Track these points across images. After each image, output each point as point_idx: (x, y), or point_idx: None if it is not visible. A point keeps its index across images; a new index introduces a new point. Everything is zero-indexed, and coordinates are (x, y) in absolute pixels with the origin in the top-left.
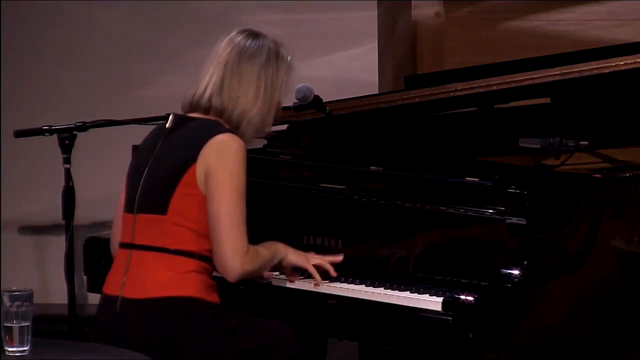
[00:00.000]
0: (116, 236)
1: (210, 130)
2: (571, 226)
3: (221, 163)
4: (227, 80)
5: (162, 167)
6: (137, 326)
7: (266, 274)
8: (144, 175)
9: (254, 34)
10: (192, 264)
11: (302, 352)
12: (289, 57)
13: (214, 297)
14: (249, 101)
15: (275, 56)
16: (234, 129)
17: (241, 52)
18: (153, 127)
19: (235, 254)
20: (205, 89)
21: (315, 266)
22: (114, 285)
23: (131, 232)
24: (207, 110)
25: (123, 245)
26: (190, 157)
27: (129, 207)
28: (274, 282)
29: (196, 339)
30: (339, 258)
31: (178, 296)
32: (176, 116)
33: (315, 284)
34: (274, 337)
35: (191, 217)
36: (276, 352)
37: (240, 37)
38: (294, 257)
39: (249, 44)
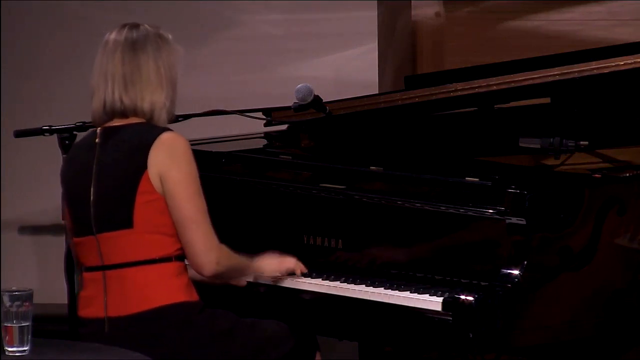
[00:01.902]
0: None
1: (148, 132)
2: (571, 226)
3: (173, 164)
4: (129, 77)
5: (110, 182)
6: (130, 342)
7: None
8: (91, 195)
9: (133, 26)
10: (171, 267)
11: (294, 349)
12: (170, 36)
13: (195, 296)
14: (155, 89)
15: (160, 40)
16: (150, 121)
17: (131, 45)
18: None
19: (209, 249)
20: (113, 93)
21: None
22: (93, 307)
23: (98, 254)
24: (123, 112)
25: (92, 269)
26: (139, 164)
27: (84, 231)
28: (270, 282)
29: (192, 342)
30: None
31: (167, 305)
32: (104, 129)
33: (310, 283)
34: (268, 335)
35: (158, 222)
36: (271, 350)
37: (123, 33)
38: (268, 271)
39: (134, 35)
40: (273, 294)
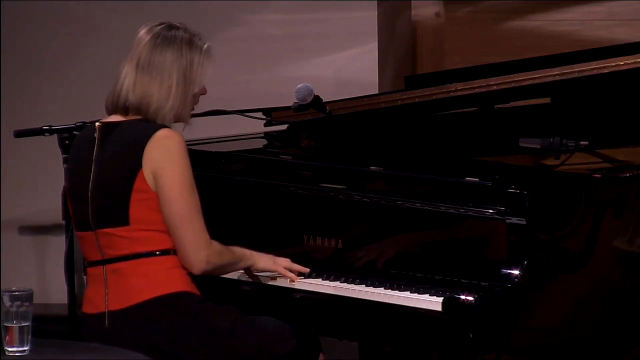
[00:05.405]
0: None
1: (144, 130)
2: (571, 226)
3: (167, 160)
4: (139, 77)
5: (107, 179)
6: (131, 334)
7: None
8: (90, 191)
9: (168, 26)
10: (170, 260)
11: (297, 349)
12: (205, 46)
13: (196, 290)
14: (162, 97)
15: (188, 47)
16: (154, 120)
17: (153, 46)
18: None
19: (199, 247)
20: (122, 87)
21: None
22: (95, 303)
23: (97, 248)
24: (125, 110)
25: (93, 264)
26: (135, 163)
27: (84, 226)
28: (270, 282)
29: (192, 333)
30: (306, 270)
31: (167, 294)
32: (102, 125)
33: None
34: (269, 333)
35: (153, 220)
36: (271, 349)
37: (154, 30)
38: (262, 263)
39: (161, 37)
40: (272, 293)
